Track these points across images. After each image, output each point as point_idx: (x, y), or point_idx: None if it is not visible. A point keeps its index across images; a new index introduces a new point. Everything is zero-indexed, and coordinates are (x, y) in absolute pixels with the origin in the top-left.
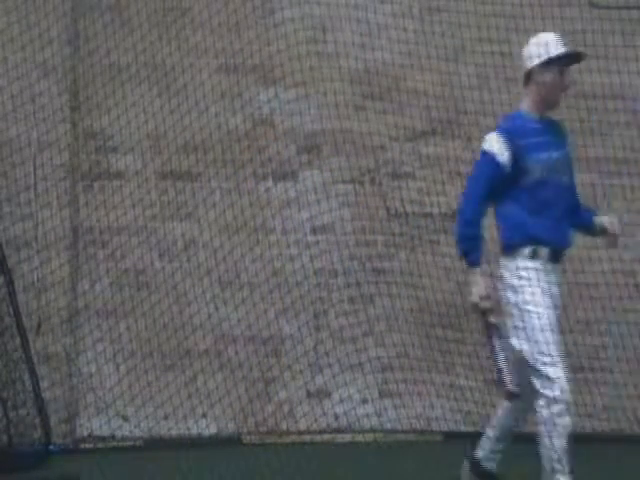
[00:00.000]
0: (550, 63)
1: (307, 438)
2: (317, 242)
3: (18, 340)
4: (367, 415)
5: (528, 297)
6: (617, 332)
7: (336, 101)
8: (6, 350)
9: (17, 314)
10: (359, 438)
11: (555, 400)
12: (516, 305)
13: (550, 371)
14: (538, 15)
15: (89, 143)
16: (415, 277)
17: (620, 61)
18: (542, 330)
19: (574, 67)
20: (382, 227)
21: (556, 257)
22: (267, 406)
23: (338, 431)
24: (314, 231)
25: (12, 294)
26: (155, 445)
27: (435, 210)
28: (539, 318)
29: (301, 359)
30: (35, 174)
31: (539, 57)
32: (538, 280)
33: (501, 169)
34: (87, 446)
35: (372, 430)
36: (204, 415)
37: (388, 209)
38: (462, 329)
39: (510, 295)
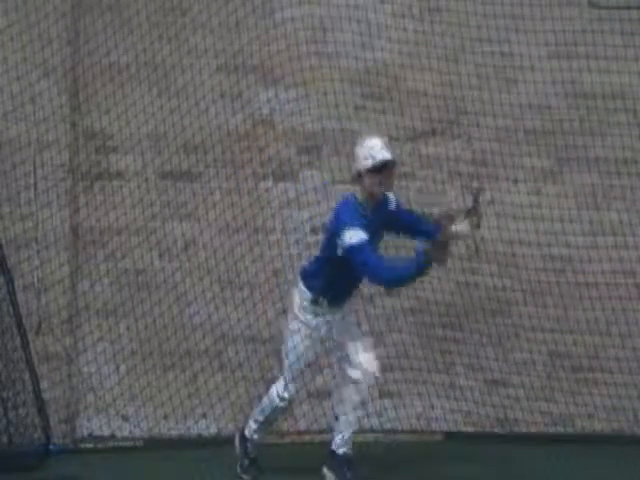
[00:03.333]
0: (373, 170)
1: (307, 438)
2: (317, 242)
3: (18, 340)
4: (367, 415)
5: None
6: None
7: (336, 101)
8: (6, 350)
9: (17, 314)
10: (359, 438)
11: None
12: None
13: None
14: (538, 15)
15: (89, 143)
16: None
17: (620, 61)
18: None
19: (574, 67)
20: None
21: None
22: None
23: None
24: (314, 231)
25: (12, 294)
26: (155, 445)
27: (435, 210)
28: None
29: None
30: (35, 174)
31: (362, 163)
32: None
33: None
34: (87, 446)
35: (372, 430)
36: (204, 415)
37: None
38: (462, 329)
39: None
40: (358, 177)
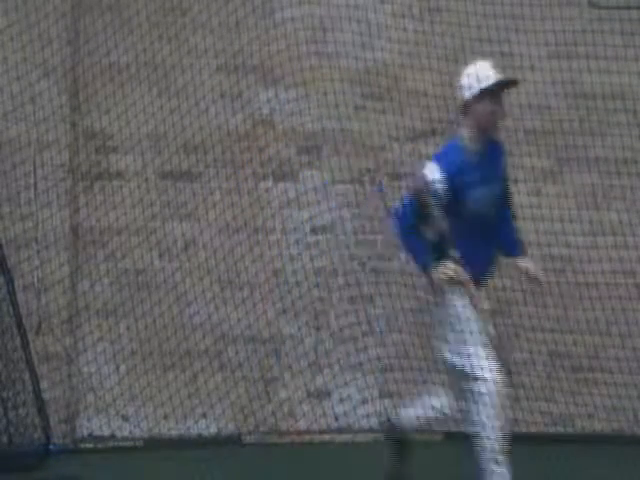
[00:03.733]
0: (483, 94)
1: (307, 438)
2: (317, 242)
3: (18, 340)
4: (367, 415)
5: None
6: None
7: (336, 101)
8: (6, 350)
9: (17, 314)
10: (359, 438)
11: None
12: None
13: None
14: (538, 15)
15: (89, 143)
16: (415, 277)
17: (620, 61)
18: None
19: (575, 67)
20: (382, 227)
21: None
22: (267, 406)
23: (338, 431)
24: (314, 231)
25: (12, 294)
26: (155, 445)
27: None
28: None
29: (301, 359)
30: (35, 174)
31: (471, 89)
32: None
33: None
34: (87, 446)
35: (372, 430)
36: (204, 415)
37: (388, 209)
38: None
39: None
40: (464, 110)
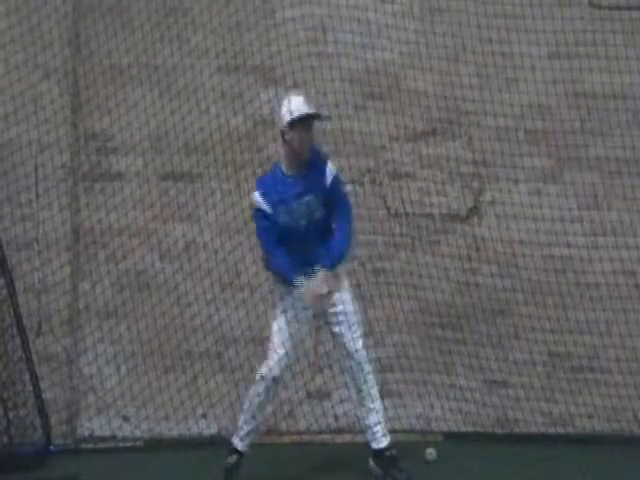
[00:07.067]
0: (294, 124)
1: (307, 438)
2: None
3: (18, 341)
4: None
5: None
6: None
7: (336, 101)
8: (6, 350)
9: (17, 315)
10: (359, 438)
11: None
12: None
13: None
14: (538, 15)
15: (90, 144)
16: (415, 277)
17: (621, 61)
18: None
19: (575, 66)
20: (382, 227)
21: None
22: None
23: (338, 431)
24: None
25: (12, 295)
26: (155, 445)
27: (435, 210)
28: None
29: (301, 359)
30: (36, 175)
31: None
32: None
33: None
34: (87, 446)
35: None
36: (204, 415)
37: (388, 209)
38: (462, 329)
39: None
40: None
